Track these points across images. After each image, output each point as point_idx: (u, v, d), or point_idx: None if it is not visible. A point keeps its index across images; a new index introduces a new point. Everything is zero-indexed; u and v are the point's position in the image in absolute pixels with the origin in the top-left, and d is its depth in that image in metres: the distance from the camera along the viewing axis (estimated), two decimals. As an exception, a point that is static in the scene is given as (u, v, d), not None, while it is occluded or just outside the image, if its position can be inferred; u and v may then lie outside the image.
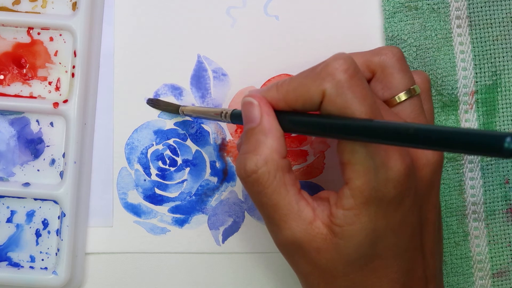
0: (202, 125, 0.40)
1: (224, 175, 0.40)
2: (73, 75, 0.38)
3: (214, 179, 0.40)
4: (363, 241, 0.29)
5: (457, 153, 0.35)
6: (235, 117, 0.34)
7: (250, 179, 0.30)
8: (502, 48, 0.40)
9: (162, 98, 0.40)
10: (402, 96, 0.33)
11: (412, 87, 0.33)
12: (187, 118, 0.40)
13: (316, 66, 0.30)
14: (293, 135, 0.40)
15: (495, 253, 0.40)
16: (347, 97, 0.28)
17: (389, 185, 0.29)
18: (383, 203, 0.29)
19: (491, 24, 0.40)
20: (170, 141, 0.40)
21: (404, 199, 0.30)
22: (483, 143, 0.23)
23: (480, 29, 0.40)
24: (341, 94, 0.28)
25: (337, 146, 0.30)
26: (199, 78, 0.40)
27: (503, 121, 0.40)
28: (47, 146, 0.39)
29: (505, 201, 0.40)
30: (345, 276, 0.30)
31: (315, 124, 0.29)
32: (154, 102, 0.39)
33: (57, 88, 0.39)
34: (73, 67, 0.38)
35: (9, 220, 0.39)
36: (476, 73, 0.40)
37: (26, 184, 0.38)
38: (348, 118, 0.28)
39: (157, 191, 0.40)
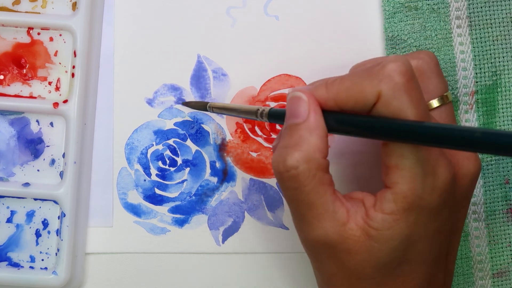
0: (202, 125, 0.40)
1: (224, 175, 0.40)
2: (73, 75, 0.38)
3: (214, 179, 0.40)
4: (398, 246, 0.29)
5: None
6: (275, 116, 0.33)
7: (288, 174, 0.29)
8: (502, 48, 0.40)
9: (161, 98, 0.40)
10: (436, 103, 0.33)
11: (445, 94, 0.34)
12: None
13: (371, 66, 0.30)
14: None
15: (495, 253, 0.40)
16: (403, 100, 0.28)
17: (434, 194, 0.29)
18: (424, 210, 0.29)
19: (491, 24, 0.40)
20: (170, 141, 0.40)
21: (444, 209, 0.30)
22: None
23: (480, 29, 0.40)
24: (398, 97, 0.28)
25: (383, 148, 0.30)
26: (199, 78, 0.40)
27: (503, 121, 0.40)
28: (47, 146, 0.39)
29: (505, 201, 0.40)
30: (371, 279, 0.30)
31: (369, 125, 0.29)
32: (187, 104, 0.40)
33: (57, 88, 0.39)
34: (73, 67, 0.38)
35: (9, 220, 0.39)
36: (476, 73, 0.40)
37: (26, 184, 0.38)
38: (405, 120, 0.28)
39: (157, 191, 0.40)
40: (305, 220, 0.30)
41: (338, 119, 0.30)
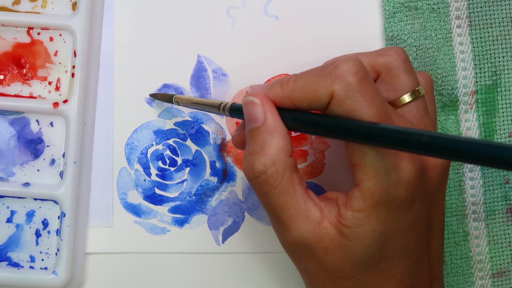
0: (202, 125, 0.40)
1: (224, 175, 0.40)
2: (73, 75, 0.38)
3: (214, 179, 0.40)
4: (372, 243, 0.29)
5: (471, 164, 0.35)
6: (235, 111, 0.33)
7: (258, 180, 0.30)
8: (502, 48, 0.40)
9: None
10: (407, 98, 0.33)
11: (416, 89, 0.33)
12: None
13: (324, 66, 0.30)
14: (293, 134, 0.40)
15: (495, 253, 0.40)
16: (356, 99, 0.28)
17: (400, 187, 0.29)
18: (393, 205, 0.29)
19: (491, 24, 0.40)
20: (170, 141, 0.40)
21: (414, 202, 0.30)
22: (502, 156, 0.22)
23: (480, 29, 0.40)
24: (350, 96, 0.28)
25: (346, 147, 0.30)
26: (199, 78, 0.40)
27: (503, 121, 0.40)
28: (47, 146, 0.39)
29: (505, 201, 0.40)
30: (352, 277, 0.30)
31: (323, 125, 0.29)
32: (154, 96, 0.40)
33: (57, 88, 0.39)
34: (73, 67, 0.38)
35: (9, 220, 0.39)
36: (476, 73, 0.40)
37: (26, 184, 0.38)
38: (358, 120, 0.28)
39: (157, 191, 0.40)
40: (280, 222, 0.31)
41: (294, 117, 0.30)
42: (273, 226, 0.32)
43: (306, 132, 0.31)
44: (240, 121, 0.38)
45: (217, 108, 0.34)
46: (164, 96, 0.39)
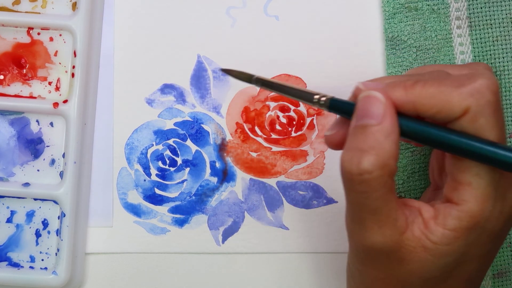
0: (202, 125, 0.40)
1: (224, 175, 0.40)
2: (73, 75, 0.38)
3: (214, 179, 0.40)
4: (451, 262, 0.29)
5: None
6: (336, 107, 0.31)
7: (360, 178, 0.28)
8: (502, 49, 0.40)
9: (161, 98, 0.40)
10: None
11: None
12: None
13: (457, 76, 0.28)
14: (297, 133, 0.40)
15: (494, 253, 0.40)
16: (490, 119, 0.27)
17: (501, 218, 0.28)
18: (486, 232, 0.28)
19: (491, 24, 0.40)
20: (170, 141, 0.40)
21: (504, 233, 0.29)
22: None
23: (480, 30, 0.40)
24: (486, 115, 0.27)
25: (453, 161, 0.29)
26: (199, 78, 0.40)
27: (503, 121, 0.40)
28: (47, 146, 0.39)
29: (505, 201, 0.40)
30: None
31: (449, 139, 0.28)
32: (227, 71, 0.38)
33: (57, 88, 0.39)
34: (73, 67, 0.38)
35: (9, 220, 0.39)
36: (476, 74, 0.40)
37: (26, 184, 0.38)
38: (490, 141, 0.27)
39: (157, 191, 0.40)
40: (364, 224, 0.29)
41: (414, 126, 0.29)
42: (353, 225, 0.30)
43: (420, 142, 0.29)
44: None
45: (311, 99, 0.32)
46: (241, 74, 0.36)
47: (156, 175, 0.40)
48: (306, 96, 0.32)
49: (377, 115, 0.28)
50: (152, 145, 0.40)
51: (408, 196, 0.39)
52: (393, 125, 0.28)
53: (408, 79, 0.29)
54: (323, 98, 0.31)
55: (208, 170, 0.40)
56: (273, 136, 0.40)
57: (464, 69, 0.32)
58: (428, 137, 0.28)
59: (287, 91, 0.33)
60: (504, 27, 0.40)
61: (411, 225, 0.29)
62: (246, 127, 0.40)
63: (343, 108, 0.31)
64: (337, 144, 0.31)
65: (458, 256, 0.29)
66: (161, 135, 0.40)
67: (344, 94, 0.40)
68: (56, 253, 0.38)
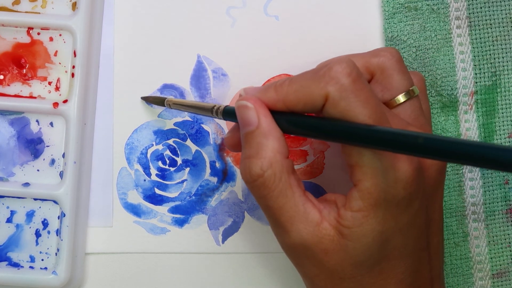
0: (202, 125, 0.40)
1: (224, 175, 0.40)
2: (73, 75, 0.38)
3: (214, 179, 0.40)
4: (372, 243, 0.29)
5: (467, 165, 0.35)
6: (228, 114, 0.33)
7: (256, 183, 0.30)
8: (502, 49, 0.40)
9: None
10: (402, 98, 0.33)
11: (411, 88, 0.33)
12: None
13: (318, 68, 0.30)
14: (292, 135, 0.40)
15: (495, 253, 0.40)
16: (350, 100, 0.28)
17: (398, 186, 0.29)
18: (392, 204, 0.29)
19: (490, 24, 0.40)
20: (170, 141, 0.40)
21: (412, 200, 0.30)
22: (498, 158, 0.23)
23: (479, 30, 0.40)
24: (345, 97, 0.28)
25: (342, 148, 0.30)
26: (199, 78, 0.40)
27: (503, 121, 0.40)
28: (47, 146, 0.39)
29: (505, 201, 0.40)
30: (352, 278, 0.30)
31: (318, 127, 0.29)
32: (145, 99, 0.39)
33: (57, 88, 0.39)
34: (73, 67, 0.38)
35: (9, 220, 0.39)
36: (476, 74, 0.40)
37: (26, 184, 0.38)
38: (352, 122, 0.28)
39: (157, 191, 0.40)
40: (279, 225, 0.31)
41: (289, 120, 0.30)
42: (273, 229, 0.32)
43: (301, 135, 0.31)
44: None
45: (210, 111, 0.34)
46: (155, 99, 0.39)
47: (156, 175, 0.40)
48: (207, 108, 0.34)
49: (253, 121, 0.31)
50: (152, 145, 0.40)
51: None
52: (268, 125, 0.30)
53: (278, 80, 0.31)
54: (220, 108, 0.34)
55: (208, 170, 0.40)
56: (273, 136, 0.40)
57: (365, 56, 0.34)
58: (302, 128, 0.30)
59: (193, 107, 0.36)
60: (503, 27, 0.40)
61: (328, 216, 0.30)
62: (246, 127, 0.40)
63: (234, 115, 0.32)
64: (234, 146, 0.34)
65: (375, 234, 0.29)
66: (161, 135, 0.40)
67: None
68: (56, 253, 0.38)
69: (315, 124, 0.29)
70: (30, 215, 0.39)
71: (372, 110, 0.28)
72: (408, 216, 0.30)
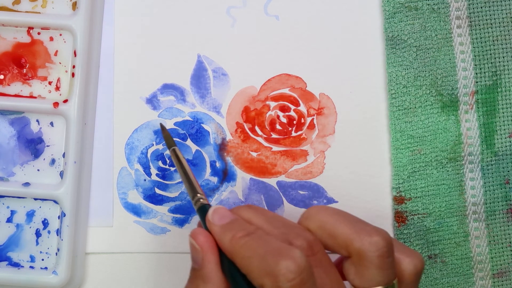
0: (202, 125, 0.40)
1: (224, 175, 0.40)
2: (73, 75, 0.38)
3: (214, 179, 0.40)
4: None
5: None
6: (202, 214, 0.32)
7: None
8: (502, 48, 0.40)
9: (161, 98, 0.40)
10: None
11: (388, 286, 0.30)
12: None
13: (274, 247, 0.28)
14: (294, 134, 0.40)
15: (495, 253, 0.40)
16: None
17: None
18: None
19: (491, 24, 0.40)
20: (170, 141, 0.40)
21: None
22: None
23: (480, 29, 0.40)
24: None
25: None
26: (199, 78, 0.40)
27: (503, 121, 0.40)
28: (47, 146, 0.39)
29: (506, 201, 0.40)
30: None
31: None
32: (162, 128, 0.38)
33: (57, 88, 0.39)
34: (73, 67, 0.38)
35: (9, 220, 0.39)
36: (476, 73, 0.40)
37: (26, 184, 0.38)
38: None
39: (157, 191, 0.40)
40: None
41: (230, 273, 0.30)
42: None
43: None
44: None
45: (192, 196, 0.33)
46: (167, 138, 0.37)
47: (156, 174, 0.40)
48: (193, 191, 0.34)
49: (197, 261, 0.30)
50: (152, 144, 0.40)
51: (408, 195, 0.39)
52: (210, 272, 0.30)
53: (244, 228, 0.30)
54: (200, 201, 0.33)
55: (208, 169, 0.40)
56: (273, 135, 0.40)
57: (351, 232, 0.31)
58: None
59: (185, 177, 0.34)
60: (504, 26, 0.40)
61: None
62: (246, 126, 0.40)
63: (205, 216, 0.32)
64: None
65: None
66: (161, 134, 0.40)
67: (345, 94, 0.40)
68: (56, 253, 0.38)
69: None
70: (30, 215, 0.39)
71: None
72: None
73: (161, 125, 0.38)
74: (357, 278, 0.30)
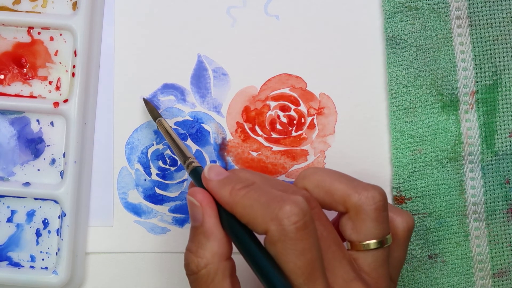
0: (202, 124, 0.40)
1: (225, 175, 0.40)
2: (73, 74, 0.38)
3: (215, 179, 0.40)
4: None
5: None
6: (194, 175, 0.33)
7: (190, 278, 0.31)
8: (503, 48, 0.40)
9: (161, 98, 0.40)
10: (370, 245, 0.32)
11: (380, 240, 0.32)
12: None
13: (276, 195, 0.29)
14: (294, 134, 0.40)
15: (495, 253, 0.40)
16: (287, 246, 0.28)
17: None
18: None
19: (491, 24, 0.40)
20: (171, 141, 0.40)
21: None
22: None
23: (480, 29, 0.40)
24: (282, 241, 0.28)
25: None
26: (199, 78, 0.40)
27: (503, 121, 0.40)
28: (48, 145, 0.39)
29: (506, 201, 0.40)
30: None
31: (248, 251, 0.30)
32: (146, 102, 0.39)
33: (58, 88, 0.39)
34: (74, 66, 0.38)
35: (9, 220, 0.39)
36: (477, 73, 0.40)
37: (27, 184, 0.38)
38: (270, 267, 0.29)
39: (158, 190, 0.40)
40: None
41: (230, 226, 0.30)
42: None
43: (235, 244, 0.31)
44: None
45: (183, 160, 0.34)
46: (152, 110, 0.38)
47: (157, 174, 0.40)
48: (183, 156, 0.34)
49: (197, 218, 0.31)
50: (153, 144, 0.40)
51: (408, 195, 0.39)
52: (211, 226, 0.30)
53: (243, 181, 0.31)
54: (191, 164, 0.33)
55: (208, 169, 0.40)
56: (274, 135, 0.40)
57: (348, 188, 0.32)
58: (236, 241, 0.30)
59: (174, 144, 0.36)
60: (504, 26, 0.40)
61: None
62: (246, 126, 0.40)
63: (198, 179, 0.32)
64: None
65: None
66: (162, 134, 0.40)
67: (345, 94, 0.40)
68: (56, 253, 0.38)
69: (248, 247, 0.30)
70: (30, 214, 0.39)
71: (305, 263, 0.28)
72: None
73: (144, 99, 0.39)
74: (354, 233, 0.32)
